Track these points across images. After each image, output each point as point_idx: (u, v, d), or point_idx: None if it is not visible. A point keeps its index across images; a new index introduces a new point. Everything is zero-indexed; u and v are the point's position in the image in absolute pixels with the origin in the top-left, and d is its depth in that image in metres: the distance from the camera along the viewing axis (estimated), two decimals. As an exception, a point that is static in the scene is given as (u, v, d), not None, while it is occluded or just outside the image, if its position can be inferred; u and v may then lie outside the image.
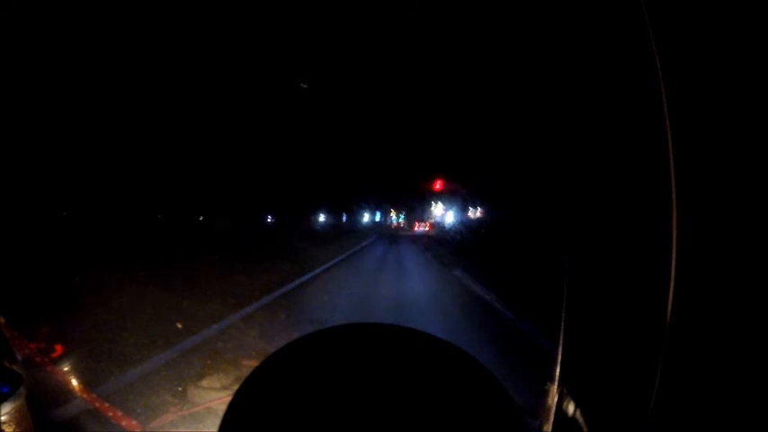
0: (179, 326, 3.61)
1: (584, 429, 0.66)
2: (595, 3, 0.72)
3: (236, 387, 0.52)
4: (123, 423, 0.94)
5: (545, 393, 0.76)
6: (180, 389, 2.24)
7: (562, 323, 0.74)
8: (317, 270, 7.68)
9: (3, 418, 0.66)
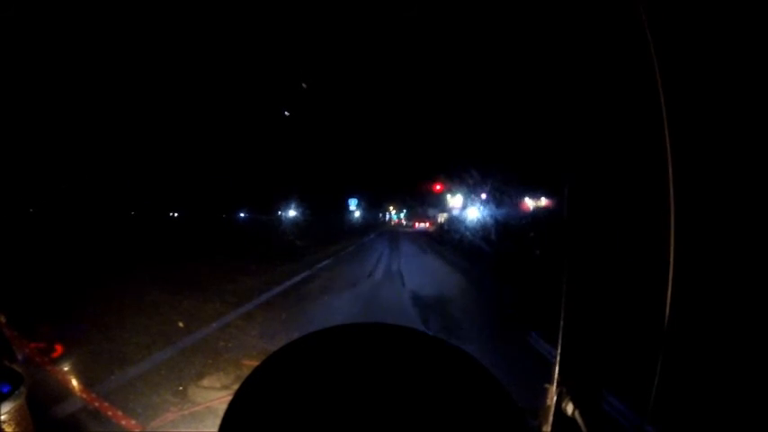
0: (180, 325, 3.62)
1: (584, 429, 0.66)
2: (595, 3, 0.72)
3: (236, 386, 0.52)
4: (123, 422, 0.94)
5: (544, 394, 0.76)
6: (180, 388, 2.25)
7: (561, 324, 0.74)
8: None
9: (3, 417, 0.66)
